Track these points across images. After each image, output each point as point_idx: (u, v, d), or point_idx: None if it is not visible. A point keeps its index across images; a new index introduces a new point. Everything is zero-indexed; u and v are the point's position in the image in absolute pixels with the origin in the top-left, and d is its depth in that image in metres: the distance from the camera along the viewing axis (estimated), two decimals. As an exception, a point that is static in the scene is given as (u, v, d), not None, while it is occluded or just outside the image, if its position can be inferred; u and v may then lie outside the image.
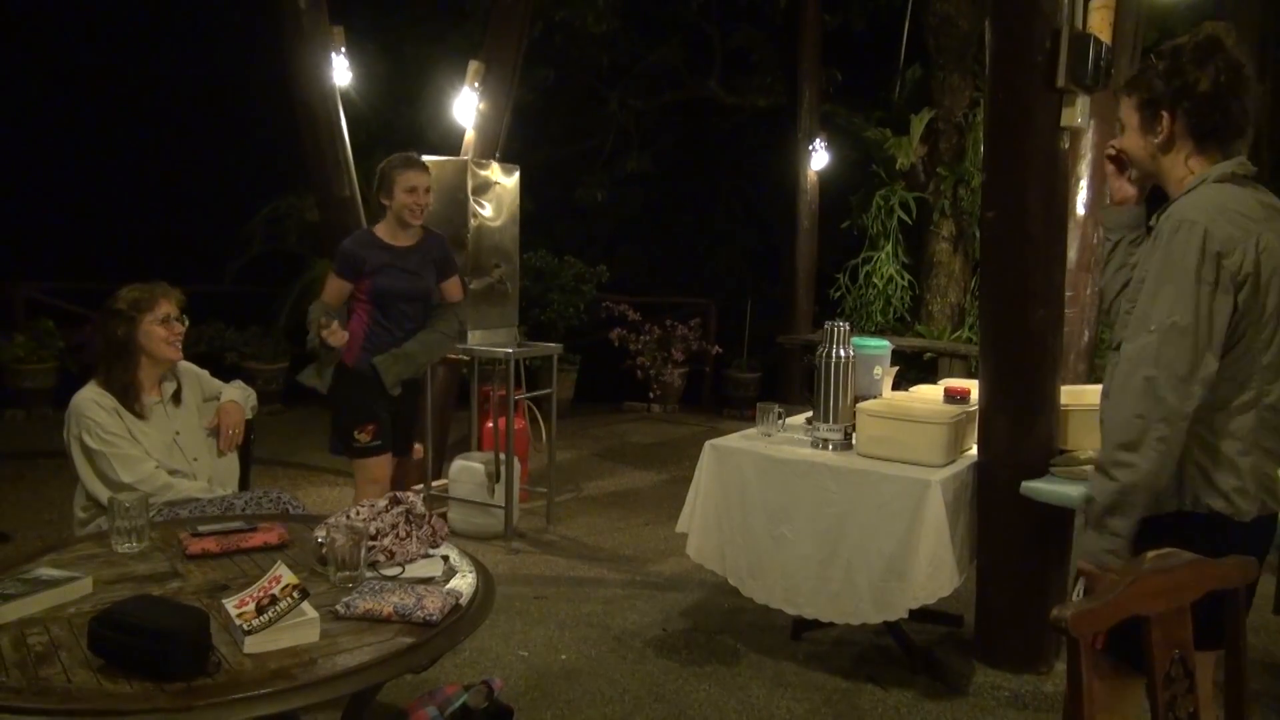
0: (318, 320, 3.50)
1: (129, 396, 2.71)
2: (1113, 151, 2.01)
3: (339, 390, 3.61)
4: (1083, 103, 2.87)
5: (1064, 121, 2.85)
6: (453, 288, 3.81)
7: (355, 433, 3.54)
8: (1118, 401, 1.75)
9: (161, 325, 2.76)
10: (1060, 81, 2.79)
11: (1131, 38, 3.59)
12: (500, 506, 4.61)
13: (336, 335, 3.49)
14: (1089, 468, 2.49)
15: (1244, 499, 1.76)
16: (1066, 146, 2.97)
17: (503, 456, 4.65)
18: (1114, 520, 1.74)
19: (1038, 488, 2.89)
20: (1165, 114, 1.83)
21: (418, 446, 5.03)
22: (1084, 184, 3.66)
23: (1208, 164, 1.83)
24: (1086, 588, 1.70)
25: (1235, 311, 1.71)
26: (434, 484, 4.94)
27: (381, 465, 3.60)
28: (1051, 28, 2.80)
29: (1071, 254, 3.46)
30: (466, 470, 4.76)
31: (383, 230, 3.59)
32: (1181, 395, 1.69)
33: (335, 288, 3.60)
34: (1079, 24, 2.84)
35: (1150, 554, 1.37)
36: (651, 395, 8.82)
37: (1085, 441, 3.05)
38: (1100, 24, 2.98)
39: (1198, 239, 1.69)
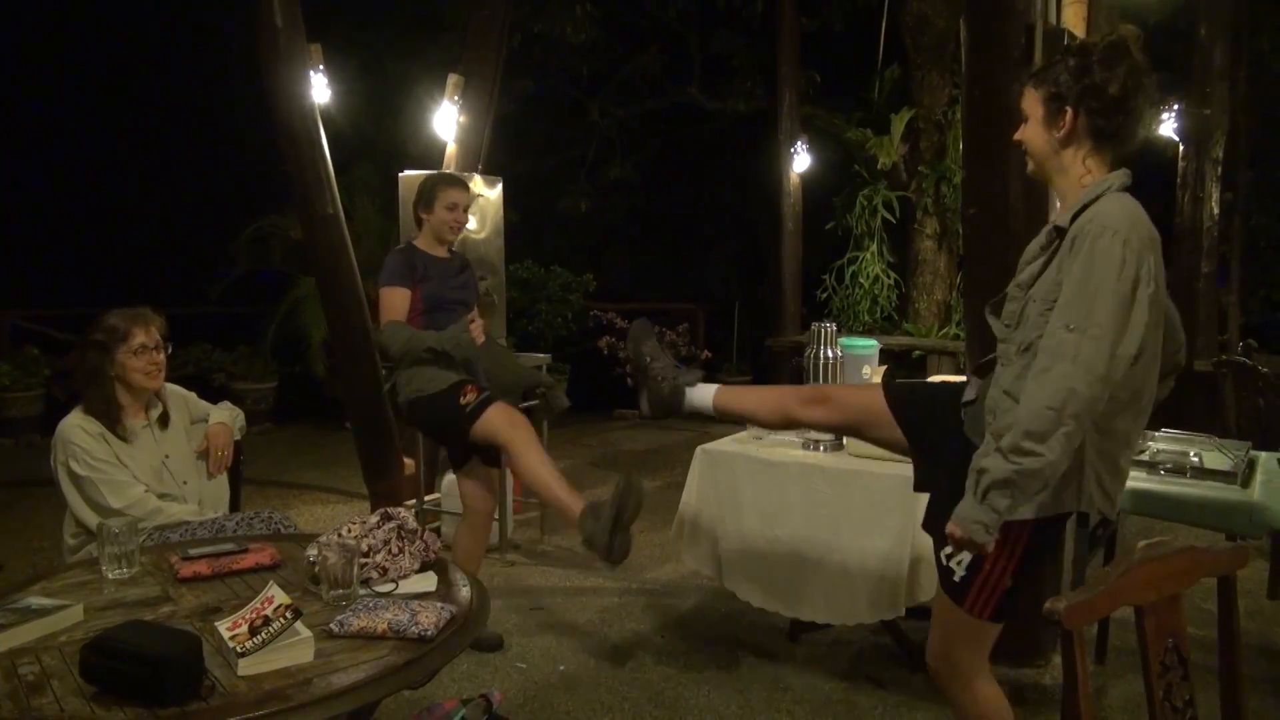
0: (452, 336, 3.34)
1: (112, 420, 2.69)
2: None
3: (414, 399, 3.38)
4: (1059, 97, 2.88)
5: (1041, 116, 2.87)
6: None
7: (459, 402, 3.29)
8: (1031, 392, 1.76)
9: (134, 356, 2.71)
10: (1036, 77, 2.80)
11: (1106, 31, 3.61)
12: (494, 519, 4.59)
13: (476, 329, 3.41)
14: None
15: (1114, 502, 1.90)
16: (1045, 141, 2.98)
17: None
18: (999, 498, 1.76)
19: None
20: (1069, 110, 1.88)
21: (409, 461, 5.02)
22: (1064, 178, 3.68)
23: (1103, 166, 1.90)
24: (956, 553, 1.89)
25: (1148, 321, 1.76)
26: (426, 499, 4.92)
27: (502, 411, 3.27)
28: (1025, 24, 2.82)
29: (1054, 248, 3.48)
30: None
31: (422, 244, 3.52)
32: (1094, 395, 1.71)
33: (396, 299, 3.38)
34: (1052, 19, 2.87)
35: (1141, 543, 1.38)
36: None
37: (1074, 434, 3.06)
38: (1074, 19, 3.01)
39: (1119, 248, 1.74)
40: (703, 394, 2.42)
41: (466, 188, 3.57)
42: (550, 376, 3.67)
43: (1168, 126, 7.13)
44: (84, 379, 2.72)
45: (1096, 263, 1.74)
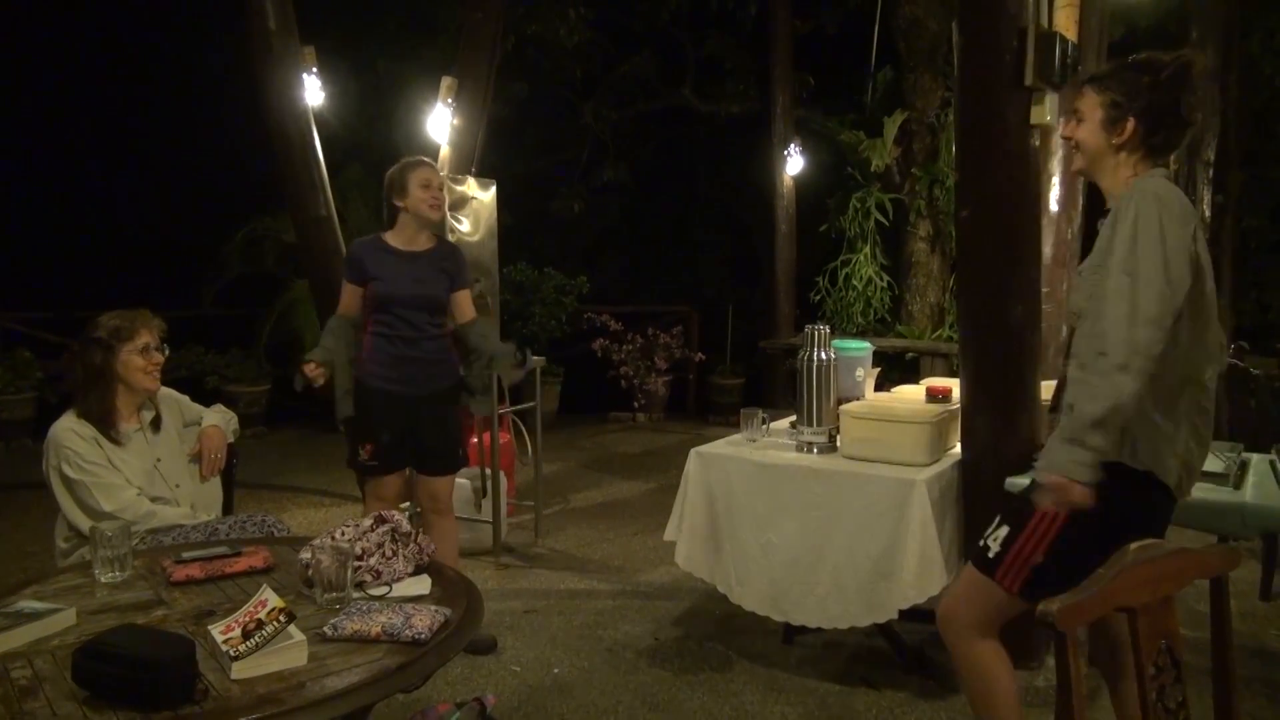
0: (314, 359, 3.34)
1: (106, 424, 2.69)
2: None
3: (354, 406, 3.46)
4: (1051, 100, 2.90)
5: (1033, 119, 2.88)
6: (463, 302, 3.51)
7: (358, 449, 3.41)
8: (1109, 327, 1.85)
9: (140, 355, 2.73)
10: (1028, 80, 2.81)
11: (1097, 35, 3.63)
12: (488, 522, 4.60)
13: (314, 373, 3.32)
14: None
15: (1172, 469, 1.95)
16: (1037, 144, 3.00)
17: (489, 471, 4.64)
18: (1095, 436, 1.84)
19: (1022, 482, 2.91)
20: (1132, 120, 2.00)
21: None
22: (1056, 180, 3.69)
23: (1149, 169, 2.04)
24: (1040, 499, 1.95)
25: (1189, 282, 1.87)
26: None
27: (382, 485, 3.43)
28: (1018, 27, 2.82)
29: (1047, 250, 3.49)
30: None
31: (392, 236, 3.41)
32: (1151, 335, 1.82)
33: (344, 293, 3.43)
34: (1045, 23, 2.88)
35: (1133, 545, 1.38)
36: (636, 404, 8.82)
37: (1067, 435, 3.07)
38: (1066, 22, 3.02)
39: (1161, 207, 1.87)
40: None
41: (434, 167, 3.47)
42: (509, 346, 3.61)
43: (1160, 129, 7.15)
44: (84, 378, 2.70)
45: (1142, 219, 1.86)
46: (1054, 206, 3.69)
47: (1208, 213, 7.01)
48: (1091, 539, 1.91)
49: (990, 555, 2.09)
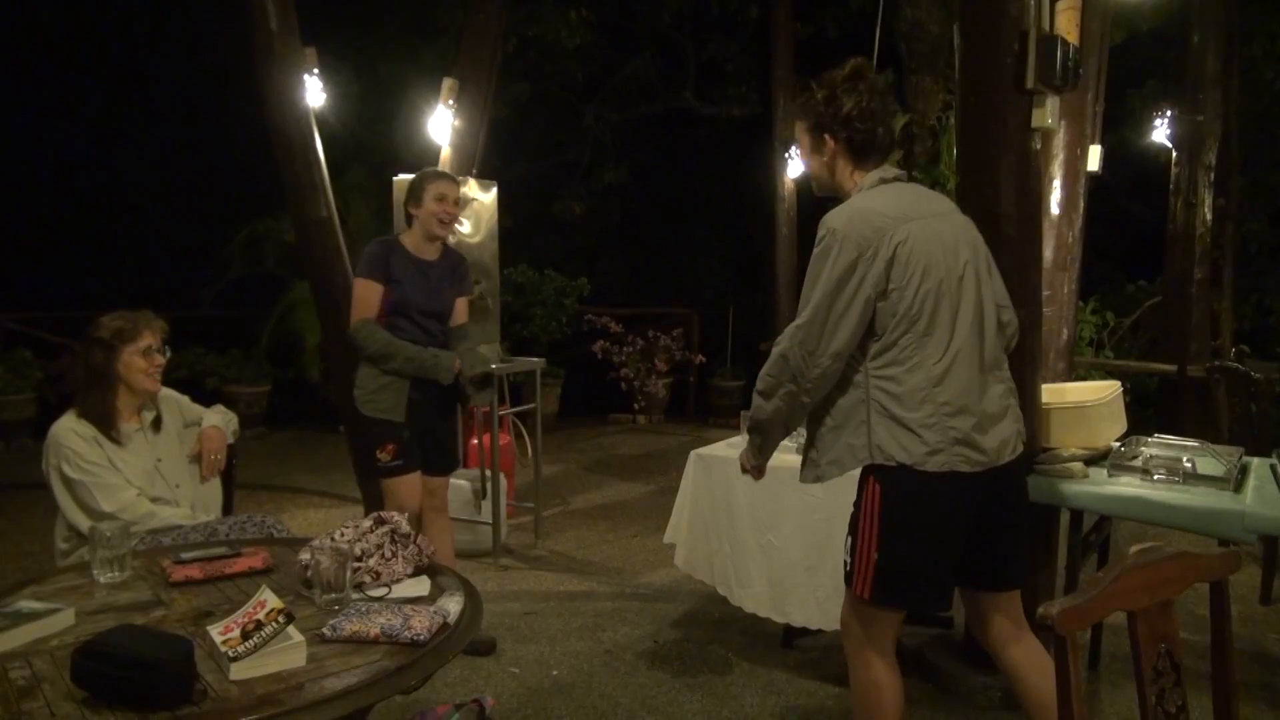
0: (447, 364, 3.39)
1: (107, 424, 2.69)
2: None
3: (358, 413, 3.45)
4: (1052, 103, 2.89)
5: (1035, 123, 2.88)
6: (461, 307, 3.62)
7: (377, 453, 3.39)
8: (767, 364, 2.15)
9: (142, 356, 2.73)
10: (1029, 83, 2.81)
11: (1099, 38, 3.63)
12: (487, 523, 4.59)
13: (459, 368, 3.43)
14: (1071, 465, 2.57)
15: (927, 453, 2.02)
16: (1038, 147, 2.99)
17: (489, 473, 4.63)
18: (754, 436, 2.32)
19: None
20: (828, 136, 2.18)
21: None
22: (1057, 184, 3.69)
23: (866, 173, 2.18)
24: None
25: (876, 296, 2.03)
26: (420, 503, 4.91)
27: (406, 484, 3.40)
28: (1019, 30, 2.82)
29: (1047, 253, 3.49)
30: (453, 488, 4.71)
31: (407, 240, 3.47)
32: (808, 364, 2.06)
33: (369, 292, 3.37)
34: (1046, 26, 2.87)
35: (1134, 548, 1.38)
36: (636, 406, 8.82)
37: (1068, 439, 3.07)
38: (1067, 25, 3.01)
39: (835, 244, 2.05)
40: None
41: (456, 182, 3.53)
42: (481, 356, 3.71)
43: (1161, 133, 7.16)
44: (86, 378, 2.70)
45: (817, 257, 2.09)
46: (1055, 209, 3.69)
47: (1209, 216, 7.02)
48: (911, 529, 2.08)
49: (846, 569, 2.17)
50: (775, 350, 2.12)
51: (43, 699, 1.54)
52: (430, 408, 3.46)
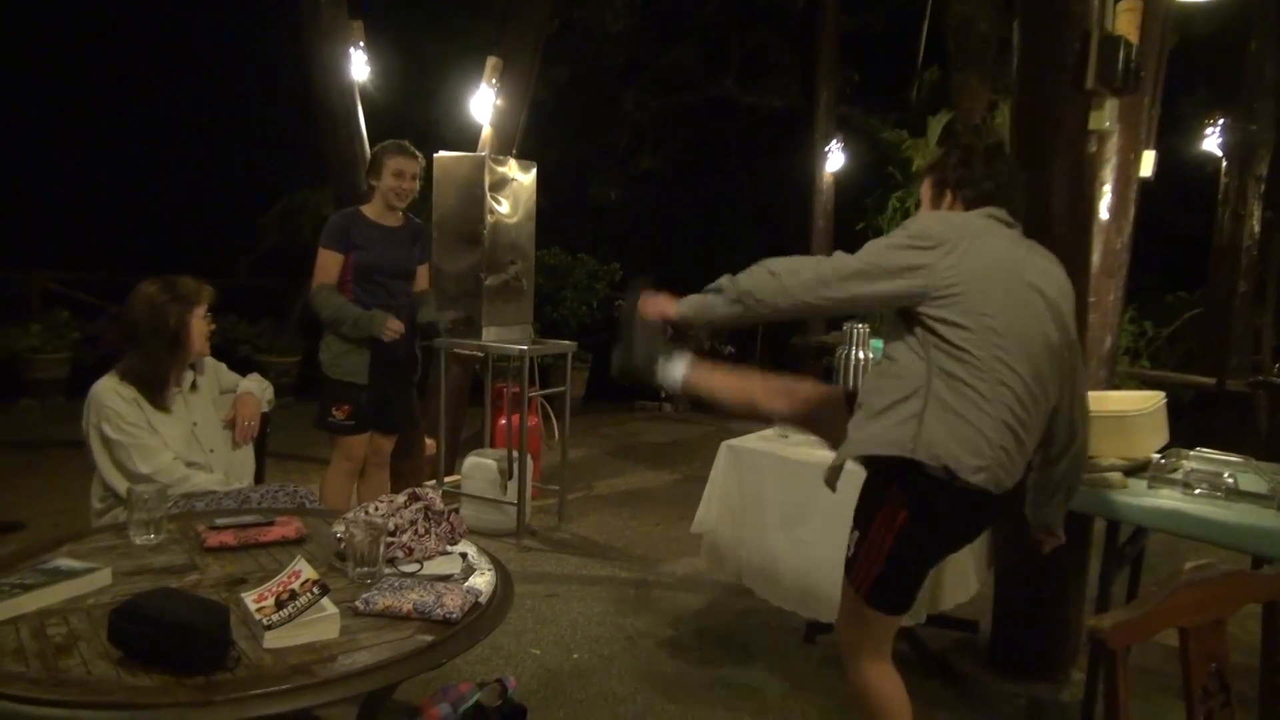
0: (377, 321, 3.65)
1: (157, 387, 2.70)
2: None
3: (320, 363, 3.80)
4: (1111, 105, 2.83)
5: (1092, 124, 2.82)
6: (422, 274, 3.96)
7: (333, 409, 3.75)
8: (756, 275, 2.12)
9: (202, 321, 2.80)
10: (1089, 84, 2.75)
11: (1158, 40, 3.54)
12: (512, 504, 4.60)
13: (396, 326, 3.68)
14: (1110, 475, 2.52)
15: (977, 466, 1.96)
16: (1094, 150, 2.93)
17: (515, 454, 4.64)
18: (691, 305, 2.24)
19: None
20: (949, 193, 2.20)
21: (430, 442, 5.03)
22: (1108, 188, 3.60)
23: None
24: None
25: (923, 292, 1.99)
26: (446, 480, 4.93)
27: (356, 442, 3.79)
28: (1081, 29, 2.76)
29: (1095, 258, 3.41)
30: (479, 467, 4.75)
31: (369, 210, 3.77)
32: (806, 287, 2.04)
33: (327, 261, 3.72)
34: (1109, 26, 2.81)
35: (1188, 565, 1.34)
36: (663, 394, 8.80)
37: (1106, 448, 3.01)
38: (1128, 26, 2.94)
39: (903, 228, 2.08)
40: (676, 367, 2.43)
41: (415, 157, 3.78)
42: (444, 316, 4.12)
43: (1211, 141, 7.02)
44: (149, 337, 2.68)
45: (891, 233, 2.09)
46: (1104, 215, 3.61)
47: (1256, 229, 6.88)
48: (925, 540, 2.05)
49: (849, 556, 2.14)
50: (762, 268, 2.11)
51: (79, 657, 1.56)
52: (390, 372, 3.78)
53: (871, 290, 2.02)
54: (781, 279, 2.06)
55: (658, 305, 2.30)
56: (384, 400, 3.81)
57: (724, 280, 2.17)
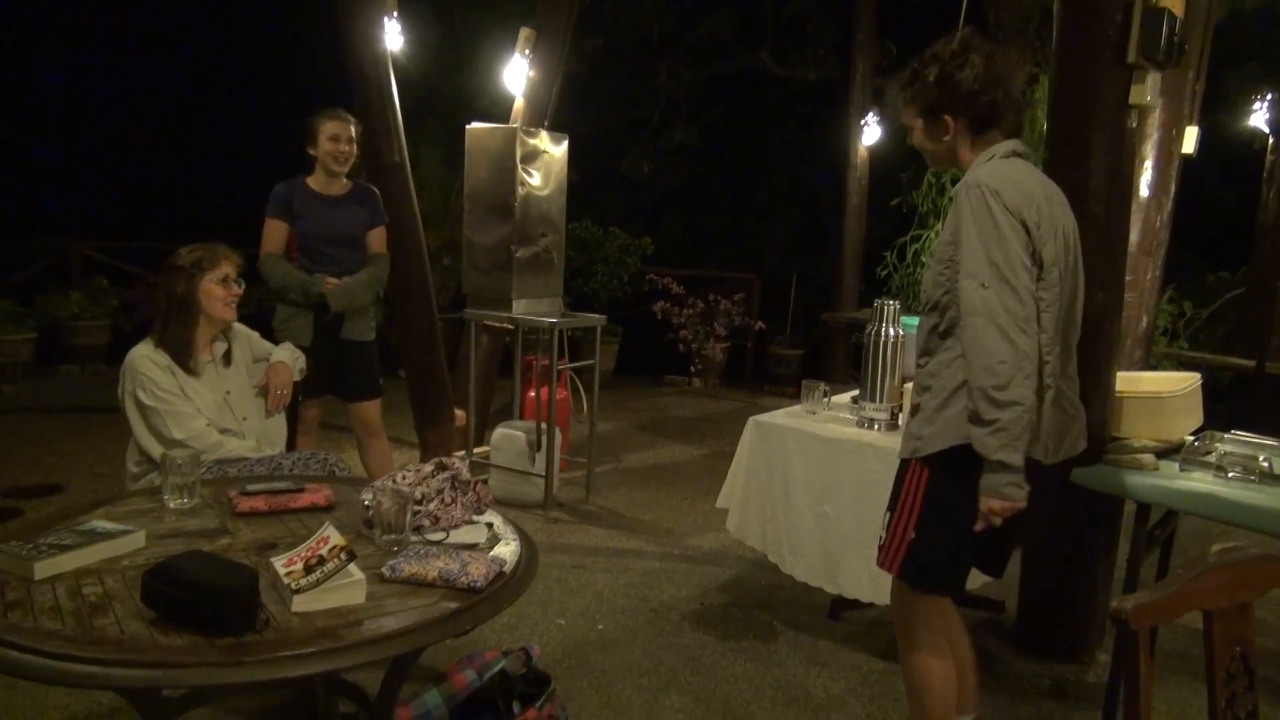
0: (318, 280, 3.72)
1: (184, 354, 2.75)
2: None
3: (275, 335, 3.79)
4: (1153, 79, 2.77)
5: (1133, 99, 2.76)
6: (376, 238, 3.95)
7: None
8: (977, 355, 1.90)
9: (220, 285, 2.82)
10: (1131, 57, 2.69)
11: (1204, 12, 3.45)
12: (540, 475, 4.63)
13: (329, 284, 3.74)
14: (1142, 456, 2.50)
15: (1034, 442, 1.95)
16: (1134, 125, 2.87)
17: (544, 426, 4.66)
18: (1008, 454, 1.88)
19: (1089, 475, 2.83)
20: (948, 117, 2.06)
21: (460, 413, 5.07)
22: (1149, 164, 3.55)
23: (990, 145, 2.07)
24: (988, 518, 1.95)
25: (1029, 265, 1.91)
26: (475, 451, 4.97)
27: (303, 409, 3.64)
28: (1124, 1, 2.70)
29: (1133, 236, 3.36)
30: (508, 438, 4.78)
31: (313, 180, 3.82)
32: (1028, 333, 1.88)
33: (272, 230, 3.76)
34: (1152, -2, 2.74)
35: (1216, 547, 1.33)
36: (692, 369, 8.80)
37: (1139, 429, 2.98)
38: (1173, -1, 2.87)
39: (994, 199, 1.90)
40: None
41: (349, 121, 3.80)
42: (348, 287, 3.87)
43: (1259, 117, 6.85)
44: (166, 307, 2.76)
45: (977, 216, 1.92)
46: (1144, 191, 3.55)
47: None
48: (954, 511, 2.00)
49: (880, 544, 2.15)
50: (974, 336, 1.88)
51: (113, 616, 1.60)
52: (338, 336, 3.80)
53: (1027, 264, 1.91)
54: (1000, 353, 1.86)
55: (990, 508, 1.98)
56: (332, 365, 3.81)
57: (982, 413, 1.90)
